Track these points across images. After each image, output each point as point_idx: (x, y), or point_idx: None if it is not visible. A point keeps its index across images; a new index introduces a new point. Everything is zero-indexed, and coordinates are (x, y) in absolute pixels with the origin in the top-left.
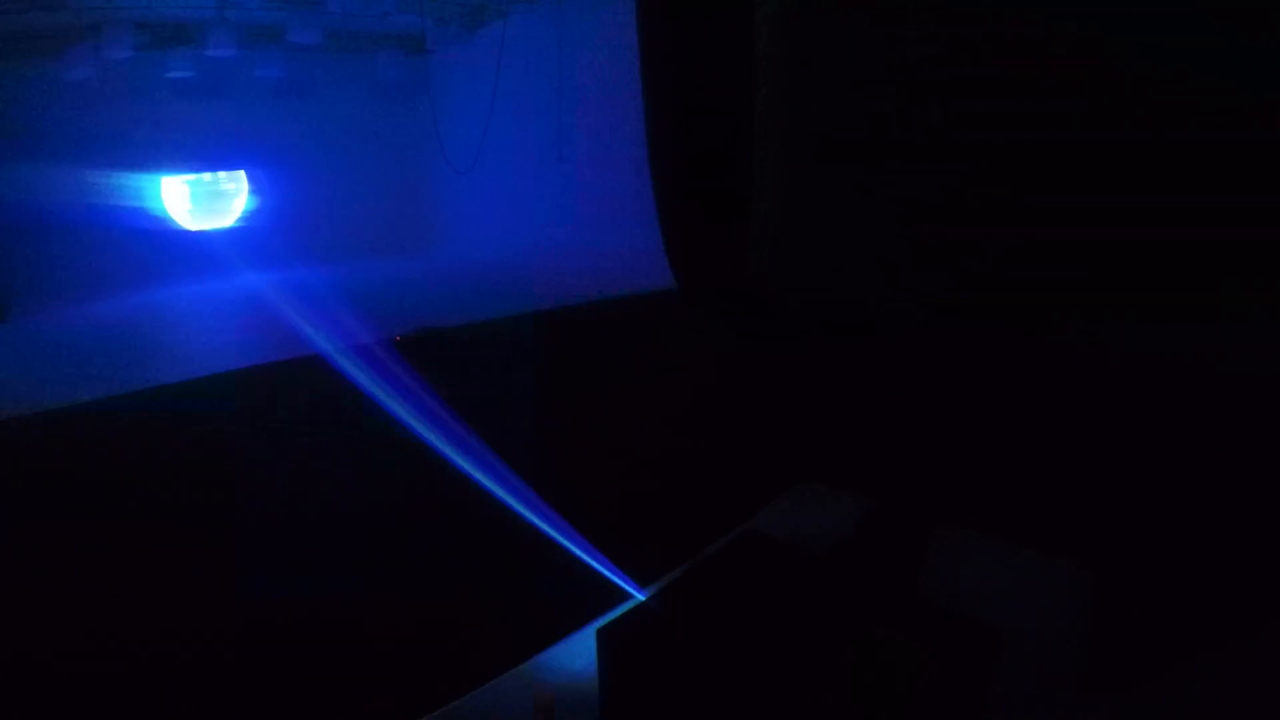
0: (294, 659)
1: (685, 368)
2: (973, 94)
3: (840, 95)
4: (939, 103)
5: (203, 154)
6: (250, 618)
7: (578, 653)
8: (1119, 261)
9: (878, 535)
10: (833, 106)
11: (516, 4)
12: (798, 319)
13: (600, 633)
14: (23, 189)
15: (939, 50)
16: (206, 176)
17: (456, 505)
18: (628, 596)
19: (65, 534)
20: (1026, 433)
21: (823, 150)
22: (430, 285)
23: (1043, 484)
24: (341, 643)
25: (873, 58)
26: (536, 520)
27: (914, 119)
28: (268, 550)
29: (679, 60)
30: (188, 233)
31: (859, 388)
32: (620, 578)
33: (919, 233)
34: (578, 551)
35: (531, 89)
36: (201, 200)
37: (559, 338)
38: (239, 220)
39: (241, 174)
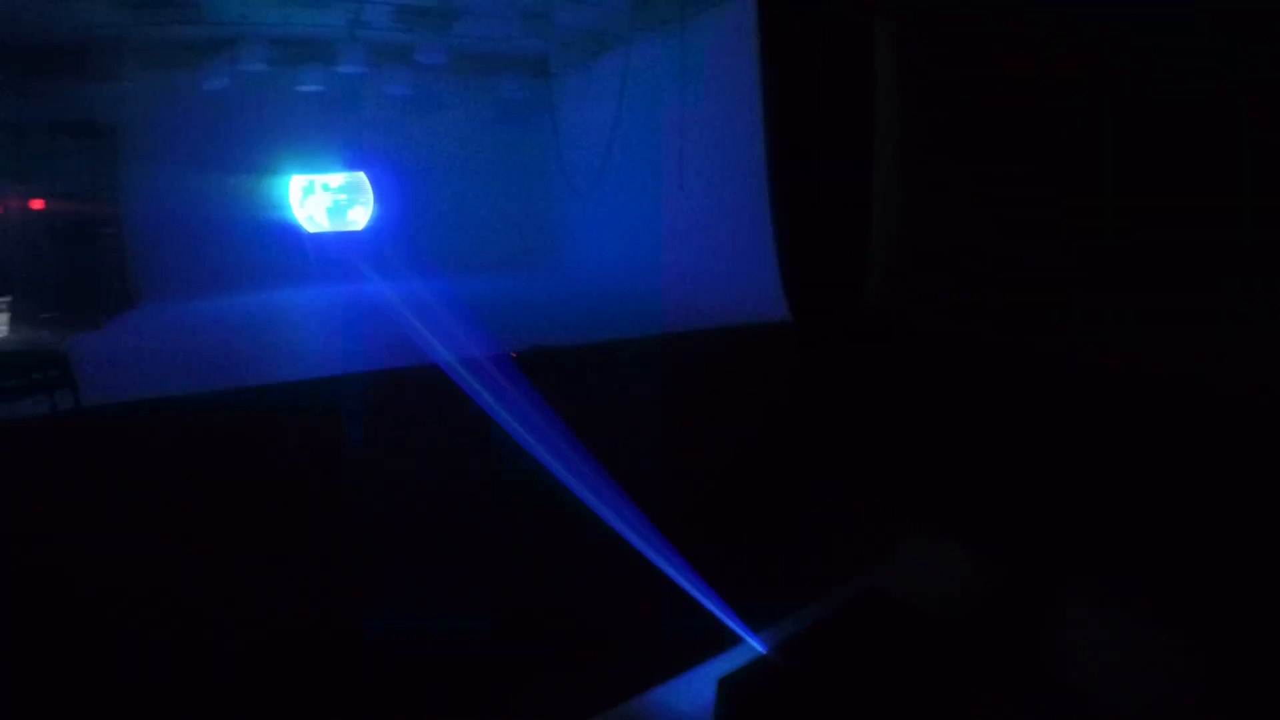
0: (395, 680)
1: (798, 404)
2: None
3: (951, 121)
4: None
5: (330, 164)
6: (351, 631)
7: (685, 694)
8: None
9: (1002, 603)
10: (947, 134)
11: (640, 31)
12: (915, 350)
13: (723, 683)
14: (159, 190)
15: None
16: (333, 183)
17: (566, 527)
18: (738, 640)
19: (177, 520)
20: (1149, 498)
21: (939, 181)
22: (546, 304)
23: (1171, 554)
24: (437, 666)
25: (973, 85)
26: (646, 549)
27: (1010, 144)
28: (370, 557)
29: (799, 95)
30: (312, 238)
31: (982, 438)
32: (734, 621)
33: (1028, 262)
34: (688, 587)
35: (653, 115)
36: (327, 207)
37: (673, 365)
38: (363, 228)
39: (367, 183)
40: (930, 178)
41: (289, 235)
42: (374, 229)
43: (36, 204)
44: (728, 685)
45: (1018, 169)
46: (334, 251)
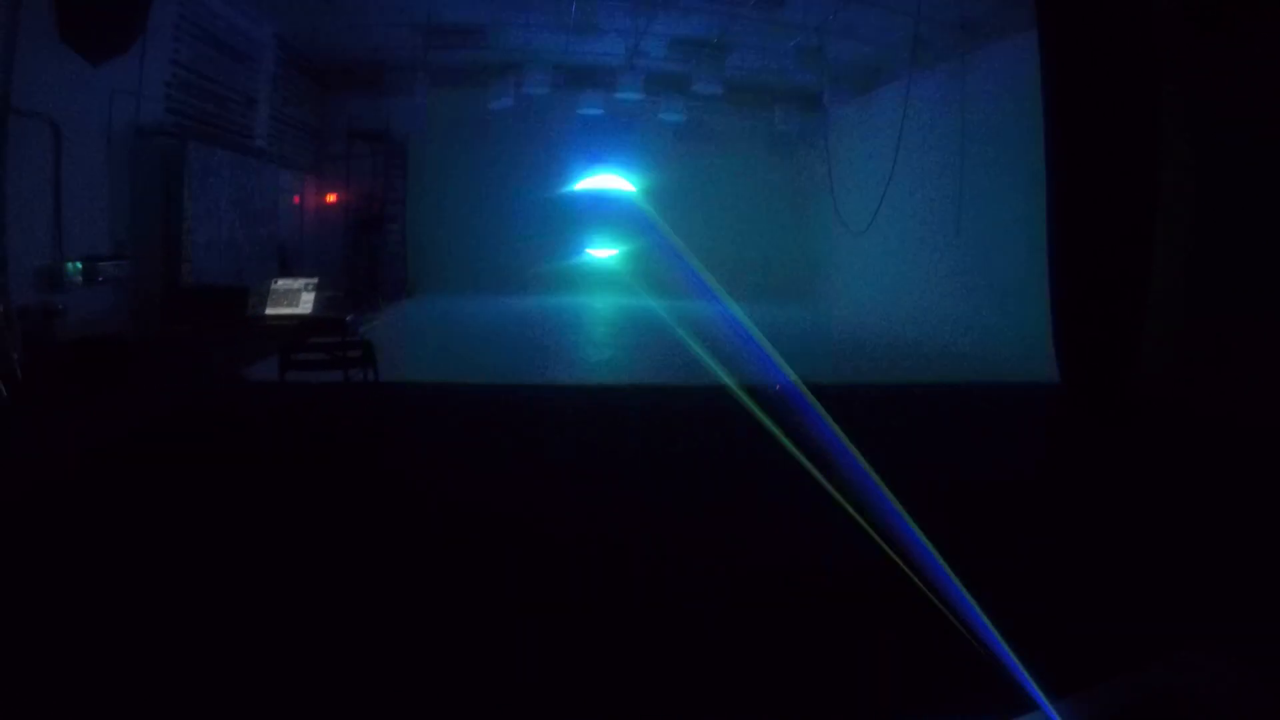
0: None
1: (1070, 473)
2: None
3: (1245, 180)
4: None
5: (604, 181)
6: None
7: None
8: None
9: None
10: (1240, 190)
11: (918, 67)
12: (1194, 432)
13: None
14: (440, 195)
15: None
16: (602, 203)
17: (841, 564)
18: (1031, 705)
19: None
20: None
21: (1229, 250)
22: (808, 340)
23: None
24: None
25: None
26: (934, 596)
27: None
28: (636, 559)
29: (1083, 144)
30: (583, 252)
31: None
32: (1032, 686)
33: None
34: (970, 637)
35: (929, 156)
36: (595, 225)
37: (939, 414)
38: (627, 248)
39: (635, 205)
40: (1222, 239)
41: (554, 248)
42: (638, 250)
43: (331, 198)
44: None
45: None
46: (597, 266)
